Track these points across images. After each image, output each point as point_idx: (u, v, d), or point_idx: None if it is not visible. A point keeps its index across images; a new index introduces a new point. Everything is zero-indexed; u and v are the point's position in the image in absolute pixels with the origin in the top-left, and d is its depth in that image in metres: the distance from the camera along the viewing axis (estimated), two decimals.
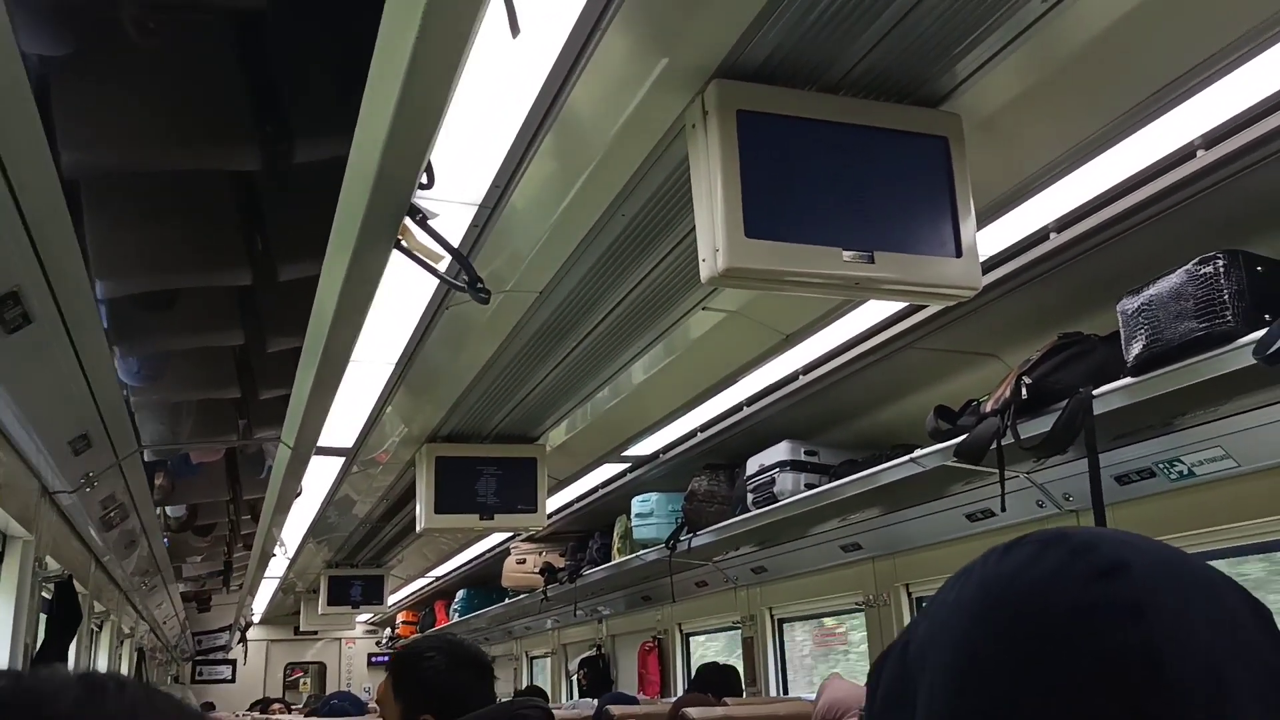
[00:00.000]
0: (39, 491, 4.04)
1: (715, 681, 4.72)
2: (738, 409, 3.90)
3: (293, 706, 9.69)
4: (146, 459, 4.86)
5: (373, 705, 6.85)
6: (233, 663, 13.67)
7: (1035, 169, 2.14)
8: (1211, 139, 1.96)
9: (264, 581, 9.01)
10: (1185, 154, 2.01)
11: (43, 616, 4.62)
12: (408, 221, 2.05)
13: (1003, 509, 2.89)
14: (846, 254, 1.92)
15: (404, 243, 2.10)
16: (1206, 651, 0.56)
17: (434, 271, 2.18)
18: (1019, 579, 0.61)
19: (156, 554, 6.92)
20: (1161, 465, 2.82)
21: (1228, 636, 0.58)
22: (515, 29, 1.45)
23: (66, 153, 2.45)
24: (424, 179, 1.94)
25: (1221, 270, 2.12)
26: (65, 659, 4.88)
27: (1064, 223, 2.33)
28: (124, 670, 8.73)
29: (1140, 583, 0.58)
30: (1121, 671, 0.55)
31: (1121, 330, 2.38)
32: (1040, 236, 2.39)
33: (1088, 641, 0.56)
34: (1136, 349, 2.31)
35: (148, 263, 3.20)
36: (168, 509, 6.55)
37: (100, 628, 7.21)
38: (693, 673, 6.20)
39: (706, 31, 1.75)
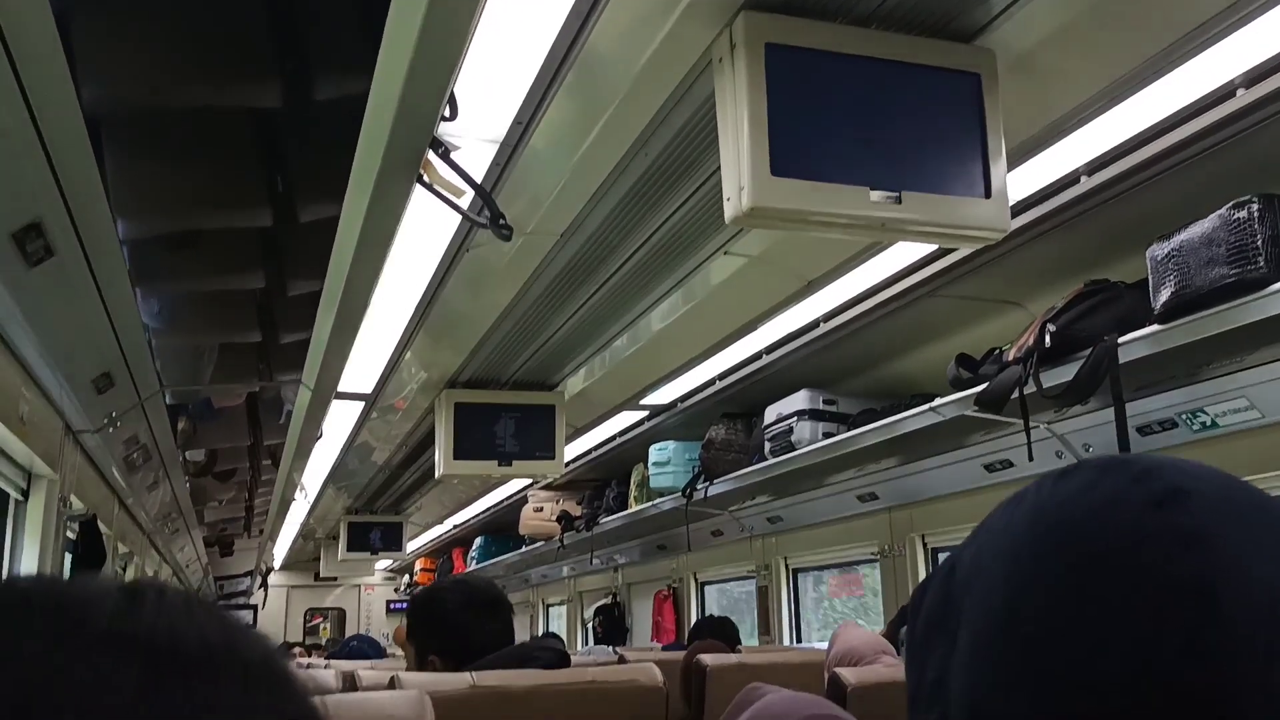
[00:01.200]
0: (63, 430, 4.07)
1: (715, 631, 4.75)
2: (757, 357, 3.88)
3: (314, 650, 9.84)
4: (168, 401, 4.90)
5: (392, 650, 6.95)
6: (254, 608, 13.87)
7: (1068, 109, 2.10)
8: (1253, 77, 1.91)
9: (284, 527, 9.12)
10: (1225, 93, 1.96)
11: (68, 556, 4.69)
12: (430, 155, 2.03)
13: (1030, 458, 2.87)
14: (874, 194, 1.89)
15: (426, 177, 2.09)
16: (1266, 584, 0.55)
17: (456, 207, 2.16)
18: (1074, 504, 0.60)
19: (179, 497, 7.00)
20: (1184, 416, 2.80)
21: None
22: None
23: (88, 88, 2.43)
24: (446, 110, 1.91)
25: (1256, 215, 2.09)
26: None
27: (1095, 165, 2.28)
28: None
29: (1199, 511, 0.57)
30: (1176, 601, 0.54)
31: (1150, 276, 2.34)
32: (1071, 179, 2.34)
33: (1142, 570, 0.55)
34: (1165, 295, 2.28)
35: (168, 202, 3.19)
36: (188, 453, 6.61)
37: (124, 569, 7.32)
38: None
39: None
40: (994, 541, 0.64)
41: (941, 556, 4.31)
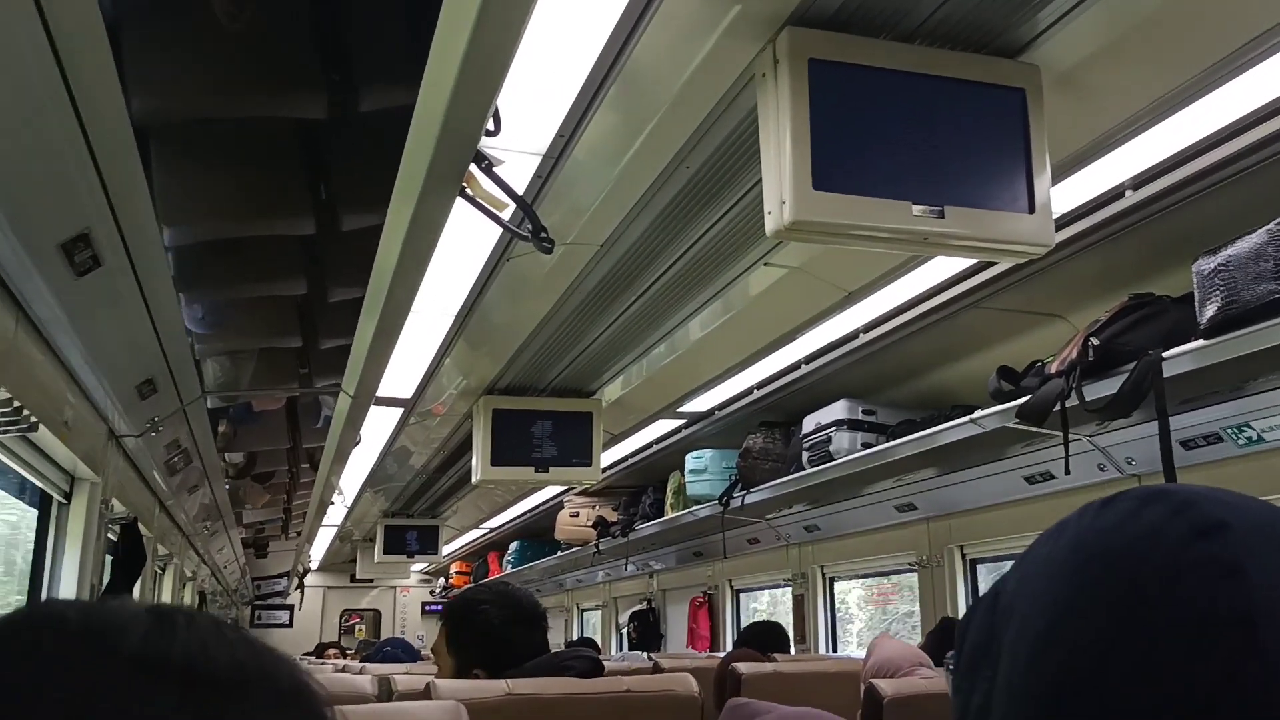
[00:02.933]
0: (106, 435, 4.14)
1: (762, 639, 4.74)
2: (795, 367, 3.88)
3: (348, 651, 9.93)
4: (209, 405, 4.97)
5: (426, 654, 7.00)
6: (290, 608, 14.02)
7: (1114, 124, 2.08)
8: None
9: (321, 529, 9.21)
10: (1273, 109, 1.94)
11: (109, 558, 4.76)
12: (473, 169, 2.05)
13: (1066, 471, 2.85)
14: (916, 208, 1.88)
15: (469, 190, 2.11)
16: None
17: (498, 220, 2.18)
18: (1115, 534, 0.60)
19: (218, 499, 7.10)
20: (1230, 430, 2.76)
21: None
22: None
23: (138, 99, 2.48)
24: (490, 125, 1.93)
25: None
26: (130, 598, 5.03)
27: (1140, 180, 2.26)
28: None
29: (1239, 543, 0.56)
30: (1215, 633, 0.54)
31: (1196, 291, 2.32)
32: (1115, 194, 2.33)
33: (1181, 601, 0.55)
34: (1211, 310, 2.25)
35: (213, 210, 3.24)
36: (227, 456, 6.70)
37: (164, 570, 7.43)
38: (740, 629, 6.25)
39: None
40: (1036, 571, 0.64)
41: (980, 568, 4.27)
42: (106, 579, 4.66)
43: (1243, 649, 0.53)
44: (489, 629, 2.05)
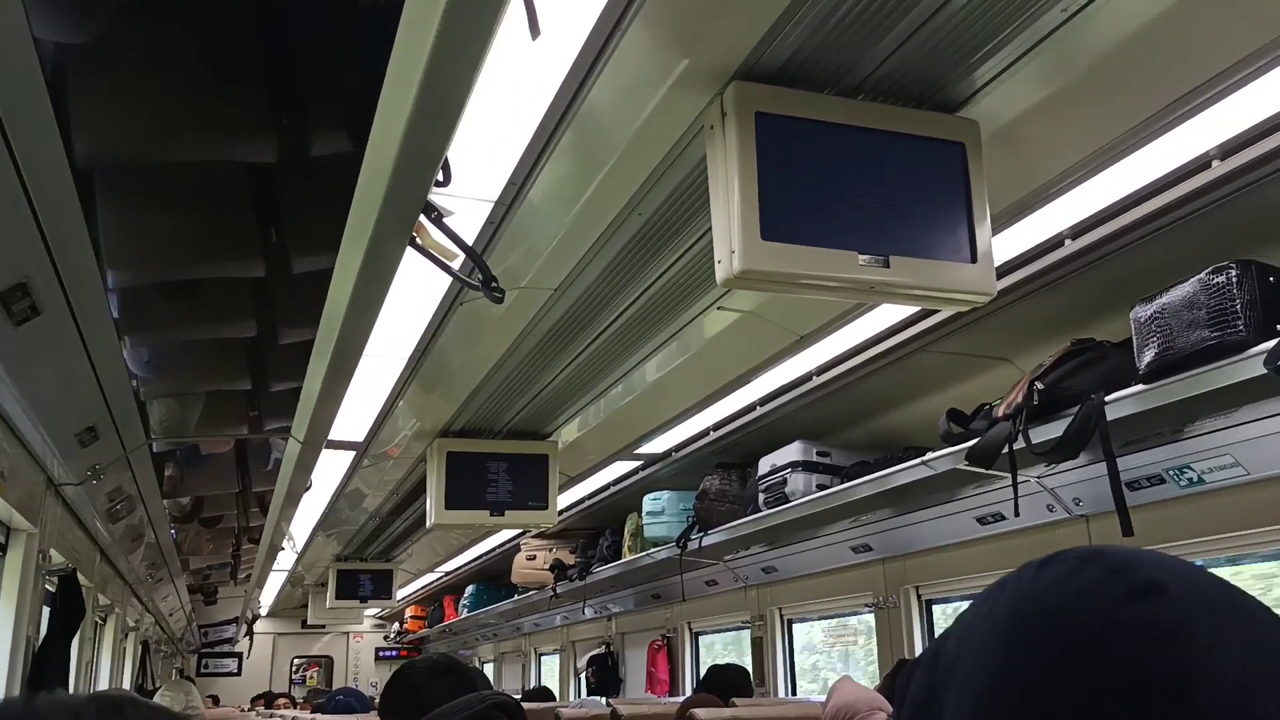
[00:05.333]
0: (44, 483, 4.03)
1: (724, 682, 4.71)
2: (751, 408, 3.90)
3: (298, 701, 9.71)
4: (155, 449, 4.88)
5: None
6: (239, 656, 13.69)
7: (1051, 176, 2.14)
8: (1227, 150, 1.96)
9: (272, 574, 9.03)
10: (1201, 164, 2.01)
11: (46, 610, 4.61)
12: (423, 219, 2.05)
13: (1016, 513, 2.88)
14: (862, 258, 1.92)
15: (419, 240, 2.11)
16: (1239, 679, 0.56)
17: (449, 270, 2.18)
18: (1053, 593, 0.61)
19: (163, 546, 6.93)
20: (1172, 471, 2.82)
21: (1262, 665, 0.57)
22: (535, 30, 1.45)
23: (80, 142, 2.45)
24: (440, 176, 1.94)
25: (1234, 280, 2.12)
26: (68, 653, 4.88)
27: (1079, 229, 2.32)
28: (128, 664, 8.76)
29: (1174, 605, 0.58)
30: (1150, 694, 0.55)
31: (1134, 338, 2.37)
32: (1055, 243, 2.39)
33: (1117, 661, 0.56)
34: (1149, 356, 2.31)
35: (160, 253, 3.21)
36: (174, 500, 6.56)
37: (104, 620, 7.23)
38: (702, 672, 6.21)
39: (727, 33, 1.75)
40: (977, 629, 0.65)
41: (935, 608, 4.30)
42: (44, 632, 4.52)
43: (1178, 710, 0.54)
44: (410, 688, 2.05)
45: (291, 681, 13.42)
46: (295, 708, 8.20)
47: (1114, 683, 0.55)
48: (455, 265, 2.18)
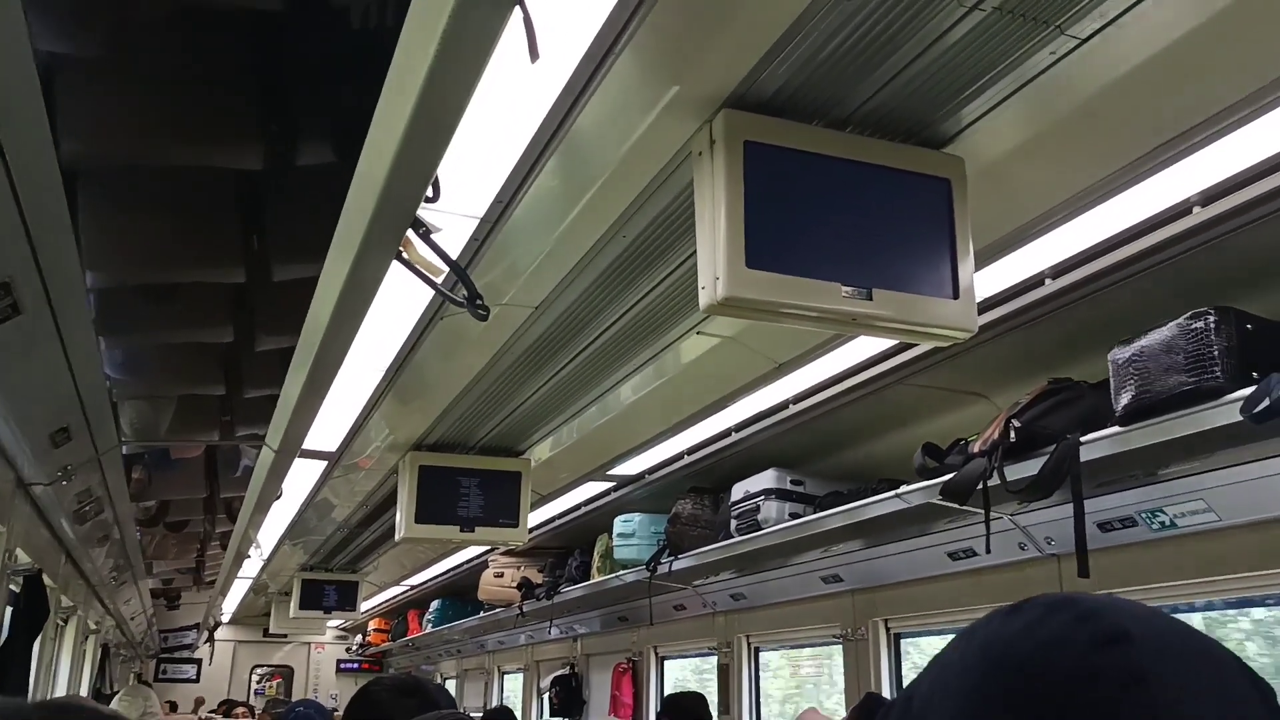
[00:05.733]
0: (14, 483, 3.99)
1: (687, 708, 4.69)
2: (726, 434, 3.90)
3: (257, 711, 9.59)
4: (125, 452, 4.82)
5: (339, 715, 6.78)
6: (198, 662, 13.51)
7: (1034, 215, 2.16)
8: (1208, 196, 1.99)
9: (236, 581, 8.93)
10: (1182, 209, 2.04)
11: (9, 610, 4.55)
12: (410, 234, 2.05)
13: (988, 550, 2.89)
14: (845, 289, 1.93)
15: (405, 254, 2.10)
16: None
17: (433, 285, 2.18)
18: (1022, 641, 0.61)
19: (129, 549, 6.86)
20: (1144, 514, 2.84)
21: (1228, 712, 0.58)
22: (535, 54, 1.45)
23: (68, 144, 2.44)
24: (429, 192, 1.94)
25: (1213, 326, 2.15)
26: (30, 654, 4.81)
27: (1059, 269, 2.35)
28: (87, 667, 8.63)
29: (1142, 652, 0.58)
30: None
31: (1111, 379, 2.39)
32: (1035, 282, 2.41)
33: (1087, 708, 0.56)
34: (1125, 399, 2.33)
35: (142, 256, 3.18)
36: (141, 503, 6.49)
37: (65, 622, 7.13)
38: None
39: (719, 62, 1.76)
40: (946, 676, 0.65)
41: (904, 641, 4.29)
42: (5, 633, 4.45)
43: None
44: (375, 703, 2.05)
45: (254, 692, 13.24)
46: (254, 717, 8.07)
47: None
48: (439, 281, 2.17)
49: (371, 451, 4.42)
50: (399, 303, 2.72)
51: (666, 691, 6.21)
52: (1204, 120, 1.81)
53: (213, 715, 10.42)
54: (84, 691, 8.40)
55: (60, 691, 6.89)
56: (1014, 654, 0.61)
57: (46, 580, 4.82)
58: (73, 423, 3.70)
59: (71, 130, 2.44)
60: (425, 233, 2.02)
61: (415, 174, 1.85)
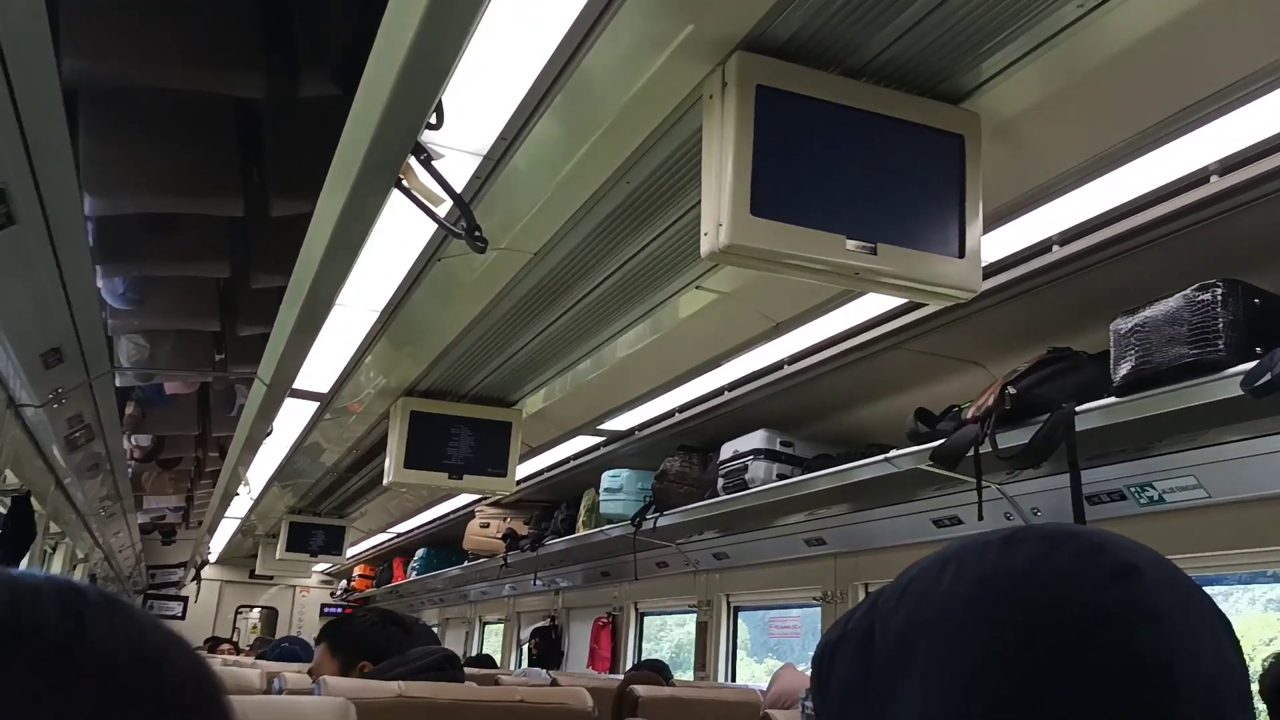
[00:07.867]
0: (4, 402, 3.97)
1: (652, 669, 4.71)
2: (718, 393, 3.89)
3: (242, 649, 9.66)
4: (119, 383, 4.81)
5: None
6: (184, 600, 13.60)
7: (1047, 178, 2.13)
8: (1228, 165, 1.95)
9: (224, 521, 8.95)
10: (1199, 178, 2.01)
11: None
12: (411, 160, 2.01)
13: (980, 517, 2.89)
14: (850, 243, 1.90)
15: (405, 182, 2.07)
16: (1205, 659, 0.57)
17: (433, 215, 2.15)
18: (1029, 576, 0.60)
19: (119, 482, 6.86)
20: (1133, 489, 2.84)
21: (1213, 643, 0.59)
22: None
23: (69, 59, 2.40)
24: (433, 119, 1.90)
25: (1220, 298, 2.13)
26: None
27: (1067, 236, 2.32)
28: None
29: (1153, 587, 0.58)
30: (1138, 676, 0.55)
31: (1112, 350, 2.38)
32: (1043, 248, 2.38)
33: (1107, 645, 0.56)
34: (1125, 369, 2.31)
35: (139, 183, 3.14)
36: (134, 438, 6.49)
37: (54, 549, 7.15)
38: (641, 656, 6.24)
39: (735, 2, 1.72)
40: (933, 610, 0.63)
41: None
42: None
43: (1168, 691, 0.55)
44: (369, 630, 2.09)
45: (235, 629, 13.34)
46: (238, 654, 8.13)
47: (1106, 666, 0.56)
48: (440, 213, 2.15)
49: (363, 396, 4.41)
50: (396, 242, 2.69)
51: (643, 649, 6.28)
52: (1229, 85, 1.76)
53: (199, 650, 10.48)
54: None
55: None
56: (1023, 593, 0.60)
57: (35, 505, 4.82)
58: (65, 344, 3.68)
59: (74, 46, 2.40)
60: (427, 159, 1.99)
61: (418, 97, 1.81)
